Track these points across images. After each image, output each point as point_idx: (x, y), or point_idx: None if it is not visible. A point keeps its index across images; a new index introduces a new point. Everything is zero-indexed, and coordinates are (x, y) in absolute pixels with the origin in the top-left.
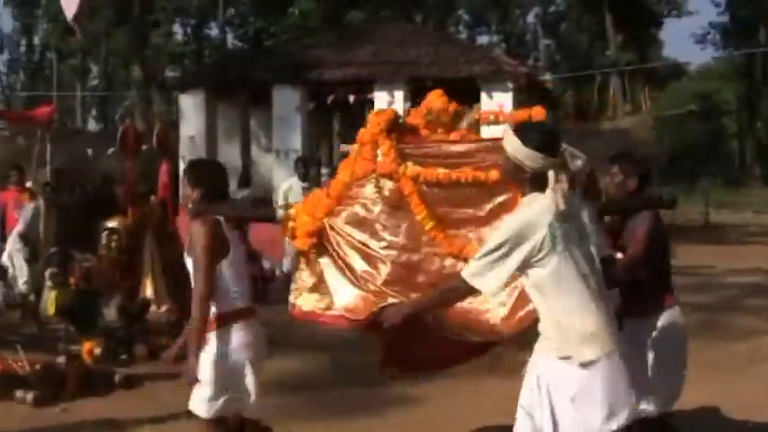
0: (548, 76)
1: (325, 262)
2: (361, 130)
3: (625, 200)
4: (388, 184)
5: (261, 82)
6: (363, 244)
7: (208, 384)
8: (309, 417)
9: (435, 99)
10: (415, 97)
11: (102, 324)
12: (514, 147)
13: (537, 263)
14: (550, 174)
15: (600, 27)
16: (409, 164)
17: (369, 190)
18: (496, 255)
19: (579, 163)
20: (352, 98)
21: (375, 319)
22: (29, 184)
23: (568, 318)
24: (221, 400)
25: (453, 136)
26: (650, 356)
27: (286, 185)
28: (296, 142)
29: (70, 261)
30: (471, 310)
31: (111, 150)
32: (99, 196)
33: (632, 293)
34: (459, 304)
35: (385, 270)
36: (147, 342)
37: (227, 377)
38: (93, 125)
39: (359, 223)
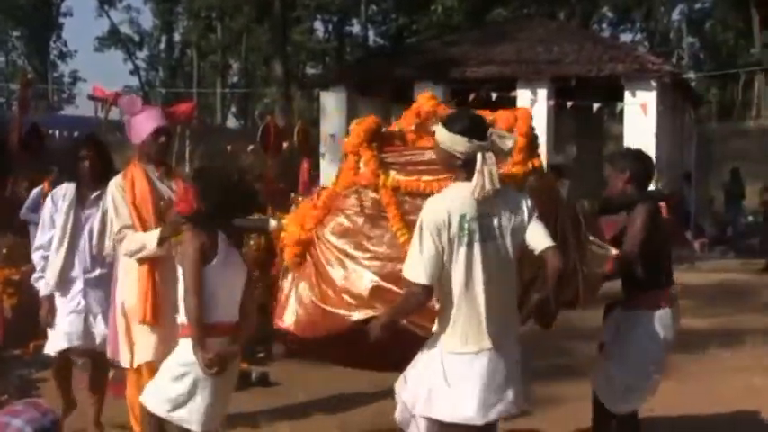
0: (692, 75)
1: (300, 275)
2: (345, 141)
3: (621, 196)
4: (369, 195)
5: (403, 80)
6: (348, 255)
7: (162, 384)
8: None
9: (425, 102)
10: (558, 95)
11: None
12: (442, 134)
13: (449, 250)
14: (478, 157)
15: (745, 25)
16: (391, 173)
17: (351, 201)
18: (417, 245)
19: (509, 143)
20: (494, 96)
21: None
22: None
23: (448, 308)
24: (175, 410)
25: None
26: (629, 352)
27: None
28: None
29: None
30: None
31: (251, 148)
32: (240, 193)
33: (626, 287)
34: None
35: (364, 285)
36: (285, 340)
37: (181, 388)
38: (232, 122)
39: (344, 234)
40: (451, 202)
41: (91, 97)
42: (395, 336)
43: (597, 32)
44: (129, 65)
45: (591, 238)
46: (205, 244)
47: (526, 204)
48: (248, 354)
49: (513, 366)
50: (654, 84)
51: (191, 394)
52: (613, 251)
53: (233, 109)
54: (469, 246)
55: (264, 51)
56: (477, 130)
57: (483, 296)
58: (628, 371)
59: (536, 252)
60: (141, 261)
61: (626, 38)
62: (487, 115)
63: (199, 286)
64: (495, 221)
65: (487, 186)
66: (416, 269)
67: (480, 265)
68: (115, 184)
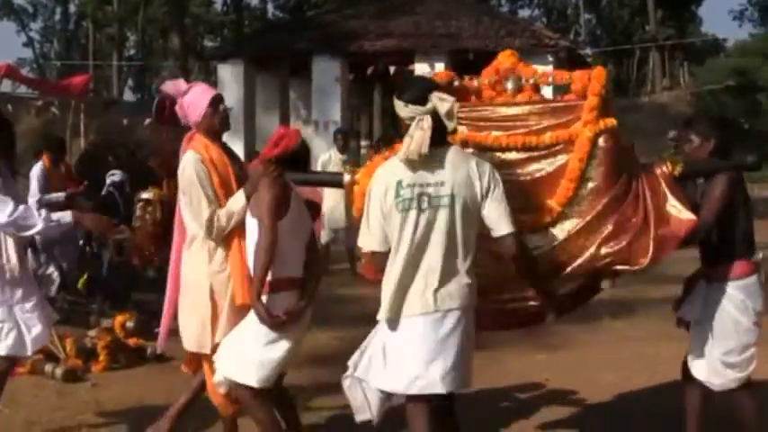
0: (588, 51)
1: None
2: None
3: (704, 162)
4: None
5: (301, 52)
6: None
7: (253, 349)
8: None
9: (505, 59)
10: (456, 69)
11: (135, 297)
12: (394, 102)
13: (388, 217)
14: (414, 121)
15: (640, 2)
16: (460, 128)
17: None
18: (365, 214)
19: (447, 105)
20: (392, 70)
21: None
22: None
23: (387, 274)
24: (267, 368)
25: (520, 97)
26: (720, 326)
27: (325, 157)
28: (335, 114)
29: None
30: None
31: (147, 121)
32: (133, 167)
33: (707, 259)
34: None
35: None
36: None
37: (270, 344)
38: (129, 95)
39: None
40: (393, 169)
41: None
42: None
43: (495, 8)
44: (22, 36)
45: (671, 200)
46: (280, 194)
47: (482, 177)
48: (145, 330)
49: (452, 341)
50: (550, 59)
51: (269, 350)
52: (692, 216)
53: (130, 82)
54: (404, 213)
55: (162, 23)
56: (414, 95)
57: (414, 265)
58: (720, 345)
59: (494, 236)
60: (228, 241)
61: (524, 14)
62: (564, 74)
63: (275, 238)
64: (439, 191)
65: (412, 148)
66: (364, 237)
67: (413, 234)
68: (196, 162)
